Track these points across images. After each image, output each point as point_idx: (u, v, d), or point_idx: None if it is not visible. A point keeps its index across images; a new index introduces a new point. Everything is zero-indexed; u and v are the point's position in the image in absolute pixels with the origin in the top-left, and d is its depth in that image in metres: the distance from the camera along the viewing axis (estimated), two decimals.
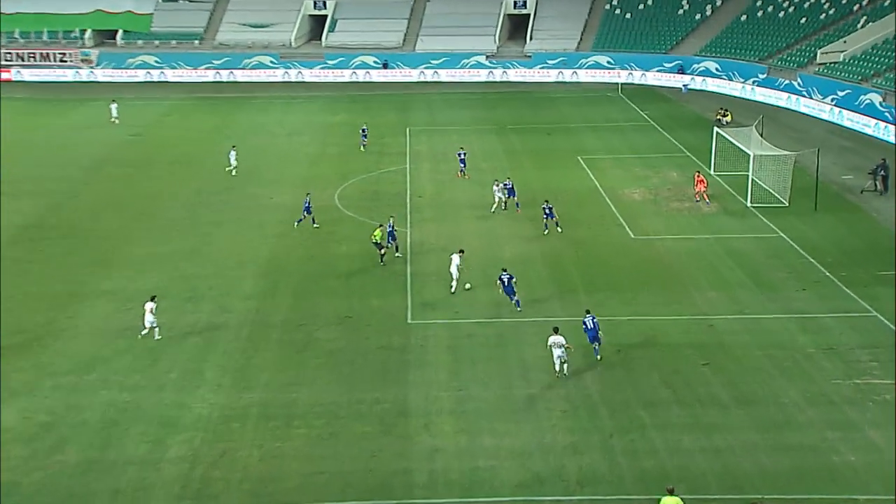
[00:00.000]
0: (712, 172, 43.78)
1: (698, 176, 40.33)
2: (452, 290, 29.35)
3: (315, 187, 42.52)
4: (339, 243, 34.82)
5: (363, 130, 49.73)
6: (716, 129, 44.97)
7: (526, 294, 29.65)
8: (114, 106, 55.30)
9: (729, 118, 55.66)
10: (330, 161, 44.51)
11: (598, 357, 25.06)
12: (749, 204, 38.74)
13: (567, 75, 72.33)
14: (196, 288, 30.40)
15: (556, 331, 24.14)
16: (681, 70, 69.90)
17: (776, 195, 39.21)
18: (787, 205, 38.23)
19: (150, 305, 26.51)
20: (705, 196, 39.65)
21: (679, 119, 58.01)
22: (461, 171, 42.64)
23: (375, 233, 32.38)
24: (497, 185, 38.25)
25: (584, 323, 25.24)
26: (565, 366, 23.93)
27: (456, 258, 29.62)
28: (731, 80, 66.56)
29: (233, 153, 44.37)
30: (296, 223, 35.64)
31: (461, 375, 24.53)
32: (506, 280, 27.50)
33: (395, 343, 26.40)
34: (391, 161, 47.90)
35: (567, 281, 31.07)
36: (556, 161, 47.28)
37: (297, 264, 32.64)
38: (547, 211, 35.55)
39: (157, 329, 26.30)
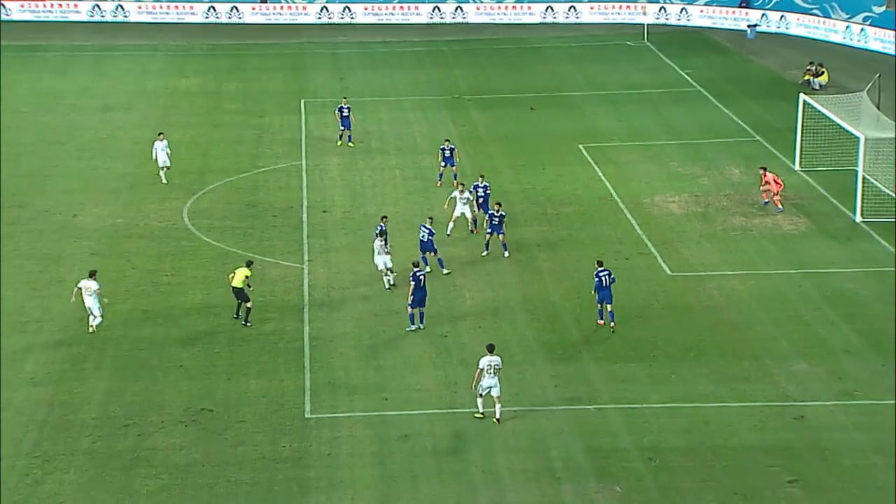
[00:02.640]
0: (797, 167, 45.35)
1: (765, 175, 41.72)
2: (388, 285, 33.62)
3: (150, 196, 42.69)
4: (190, 289, 35.05)
5: (342, 110, 48.56)
6: (803, 96, 46.61)
7: (503, 367, 30.23)
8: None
9: (824, 79, 57.83)
10: (176, 154, 44.77)
11: (613, 326, 30.28)
12: (859, 218, 40.26)
13: (560, 13, 74.16)
14: None
15: (491, 350, 27.37)
16: (745, 2, 72.36)
17: None
18: None
19: (87, 285, 31.03)
20: (776, 200, 41.07)
21: (743, 81, 59.94)
22: (441, 176, 43.19)
23: (238, 273, 32.67)
24: (460, 192, 38.97)
25: (599, 279, 31.33)
26: (498, 407, 27.32)
27: (378, 242, 32.91)
28: (827, 16, 69.11)
29: (161, 145, 43.38)
30: None
31: (394, 503, 24.80)
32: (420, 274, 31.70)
33: (284, 451, 26.63)
34: (277, 154, 48.39)
35: (564, 345, 31.75)
36: (544, 152, 48.39)
37: (120, 325, 32.71)
38: (495, 221, 36.73)
39: (99, 319, 31.29)
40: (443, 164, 43.39)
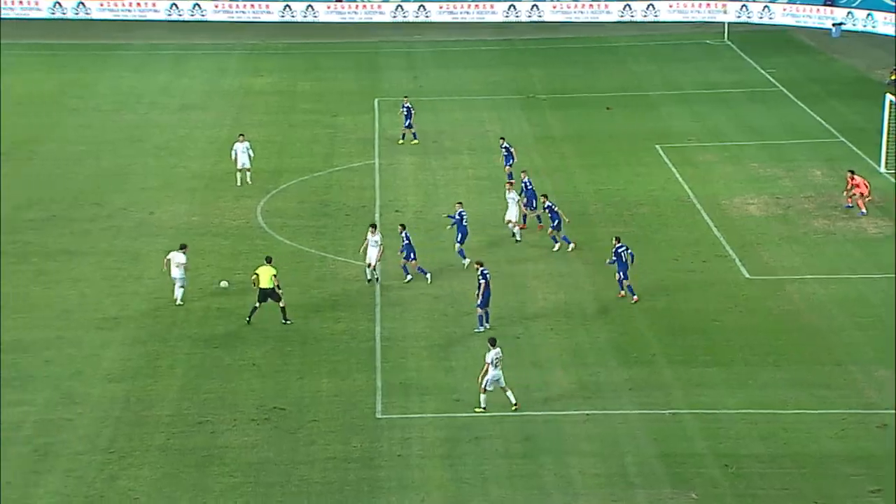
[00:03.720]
0: (882, 169, 44.61)
1: (853, 178, 41.18)
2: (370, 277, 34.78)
3: (225, 194, 43.29)
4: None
5: (407, 109, 49.22)
6: (890, 96, 45.87)
7: (572, 370, 30.15)
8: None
9: None
10: (254, 157, 45.29)
11: (635, 298, 33.19)
12: None
13: (638, 11, 73.76)
14: (20, 364, 30.87)
15: (493, 343, 28.09)
16: (830, 0, 71.30)
17: None
18: None
19: (177, 258, 33.30)
20: (860, 203, 40.55)
21: (827, 81, 59.11)
22: (509, 175, 43.26)
23: (263, 274, 32.64)
24: (509, 191, 38.92)
25: (618, 255, 33.62)
26: (509, 393, 28.04)
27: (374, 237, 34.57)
28: None
29: (241, 147, 43.80)
30: None
31: None
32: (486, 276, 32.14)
33: (355, 451, 26.79)
34: (350, 153, 48.77)
35: (638, 348, 31.58)
36: (619, 152, 48.17)
37: (194, 322, 33.19)
38: (550, 214, 37.31)
39: (181, 291, 33.25)
40: (506, 164, 43.45)
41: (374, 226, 35.70)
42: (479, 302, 32.16)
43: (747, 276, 36.07)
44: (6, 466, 26.10)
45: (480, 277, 31.96)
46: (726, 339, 31.93)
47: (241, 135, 45.03)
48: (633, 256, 34.03)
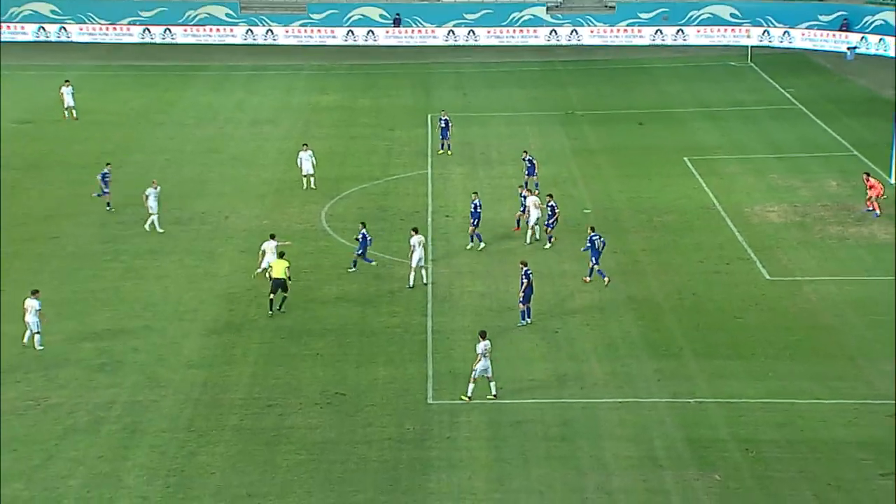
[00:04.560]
0: (892, 180, 44.01)
1: (868, 180, 40.92)
2: (410, 284, 34.75)
3: (292, 200, 43.62)
4: (326, 284, 35.68)
5: (444, 122, 49.58)
6: None
7: (606, 361, 30.05)
8: (67, 90, 55.32)
9: None
10: (317, 164, 45.59)
11: (607, 280, 34.25)
12: None
13: (669, 35, 73.24)
14: (111, 351, 31.34)
15: (483, 336, 27.94)
16: (845, 26, 70.43)
17: None
18: None
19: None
20: (875, 205, 40.04)
21: (842, 100, 58.33)
22: (525, 182, 43.18)
23: (277, 266, 33.14)
24: (528, 196, 38.62)
25: (592, 242, 34.23)
26: (492, 384, 27.92)
27: (418, 248, 34.47)
28: None
29: (305, 155, 44.57)
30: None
31: (507, 484, 24.90)
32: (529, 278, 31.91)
33: (408, 433, 26.94)
34: (405, 164, 48.91)
35: (666, 342, 31.43)
36: (650, 164, 47.88)
37: (264, 316, 33.51)
38: (549, 213, 37.66)
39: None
40: (526, 173, 43.27)
41: (415, 229, 35.69)
42: (521, 298, 32.13)
43: (767, 277, 35.73)
44: (100, 443, 26.52)
45: (524, 276, 31.93)
46: (747, 335, 31.68)
47: (304, 144, 45.50)
48: (604, 243, 34.88)
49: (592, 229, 35.34)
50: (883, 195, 40.80)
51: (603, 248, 34.91)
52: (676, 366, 29.96)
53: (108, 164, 43.11)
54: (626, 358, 30.40)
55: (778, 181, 45.25)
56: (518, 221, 39.66)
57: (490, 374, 28.13)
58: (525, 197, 39.05)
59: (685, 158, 48.24)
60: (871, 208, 40.70)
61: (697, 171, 46.61)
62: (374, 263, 36.27)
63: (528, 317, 32.30)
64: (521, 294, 32.02)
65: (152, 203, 39.86)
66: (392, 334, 32.13)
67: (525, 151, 44.85)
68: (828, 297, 34.08)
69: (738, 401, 28.01)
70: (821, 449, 25.89)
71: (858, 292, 34.40)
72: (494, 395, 28.13)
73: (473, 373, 28.00)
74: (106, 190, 41.86)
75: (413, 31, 74.60)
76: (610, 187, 44.66)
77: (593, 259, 34.75)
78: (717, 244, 38.49)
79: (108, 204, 41.92)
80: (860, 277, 35.58)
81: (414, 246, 34.94)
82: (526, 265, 32.23)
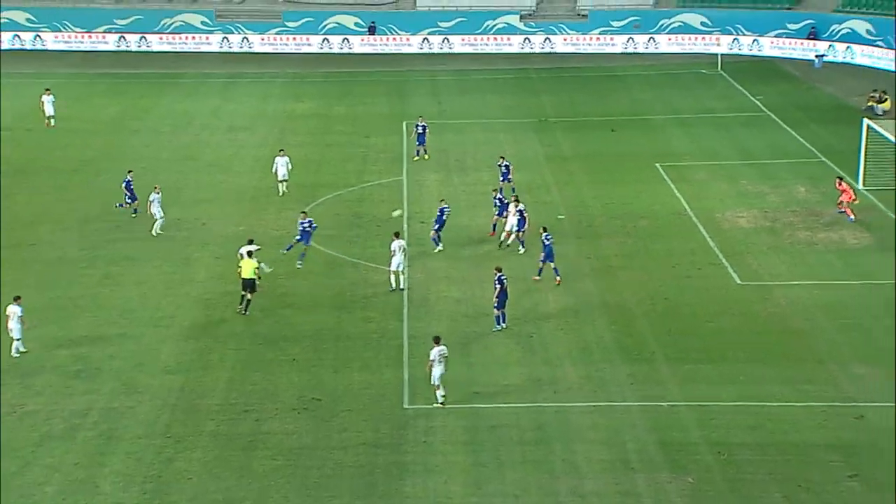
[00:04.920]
0: (861, 186, 44.38)
1: (840, 184, 41.35)
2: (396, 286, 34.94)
3: (268, 207, 43.49)
4: (302, 289, 35.64)
5: (422, 128, 49.74)
6: (867, 121, 45.72)
7: (580, 366, 30.15)
8: (48, 99, 55.06)
9: (888, 105, 56.45)
10: (292, 170, 45.48)
11: (558, 279, 34.76)
12: None
13: (640, 44, 73.61)
14: (88, 358, 31.15)
15: (437, 341, 27.91)
16: (813, 34, 71.06)
17: None
18: None
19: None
20: (849, 210, 40.52)
21: (810, 107, 58.78)
22: (500, 188, 43.24)
23: (246, 265, 33.38)
24: (514, 205, 38.84)
25: (545, 243, 34.94)
26: (439, 393, 27.84)
27: (398, 253, 34.79)
28: (890, 47, 67.48)
29: (281, 161, 44.61)
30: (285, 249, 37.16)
31: (483, 488, 24.94)
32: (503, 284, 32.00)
33: (384, 438, 26.92)
34: (380, 170, 48.88)
35: (639, 347, 31.57)
36: (623, 171, 48.08)
37: (240, 321, 33.40)
38: (519, 219, 38.10)
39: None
40: (501, 178, 43.35)
41: (396, 234, 35.85)
42: (496, 304, 32.18)
43: (738, 282, 35.96)
44: (76, 450, 26.33)
45: (497, 282, 31.99)
46: (719, 339, 31.87)
47: (281, 150, 45.54)
48: (552, 241, 35.34)
49: (545, 230, 35.73)
50: (855, 200, 41.19)
51: (552, 244, 35.40)
52: (649, 370, 30.10)
53: (129, 171, 42.68)
54: (599, 362, 30.51)
55: (748, 187, 45.56)
56: (494, 226, 39.75)
57: (438, 383, 27.92)
58: (502, 201, 39.14)
59: (657, 165, 48.49)
60: (842, 210, 41.06)
61: (669, 177, 46.86)
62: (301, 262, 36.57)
63: (504, 322, 32.36)
64: (496, 300, 32.07)
65: (156, 209, 40.02)
66: (368, 339, 32.10)
67: (501, 157, 44.92)
68: (798, 302, 34.34)
69: (710, 404, 28.17)
70: (790, 451, 26.07)
71: (828, 296, 34.68)
72: (441, 404, 27.99)
73: (433, 379, 27.93)
74: (130, 198, 41.51)
75: (388, 39, 74.61)
76: (583, 193, 44.83)
77: (546, 258, 35.22)
78: (689, 249, 38.71)
79: (136, 210, 41.54)
80: (829, 282, 35.86)
81: (395, 250, 34.98)
82: (500, 271, 32.29)
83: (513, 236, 38.49)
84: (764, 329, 32.52)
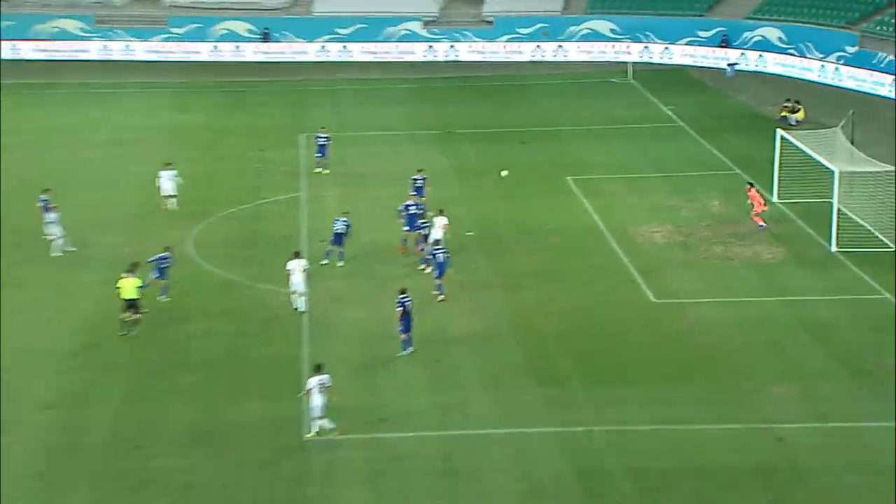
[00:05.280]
0: (775, 198, 45.58)
1: (750, 191, 42.78)
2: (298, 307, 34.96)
3: (157, 226, 42.77)
4: (194, 315, 35.14)
5: (324, 140, 49.75)
6: (780, 131, 47.02)
7: (490, 391, 30.29)
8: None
9: (801, 115, 58.18)
10: (182, 186, 44.85)
11: (442, 297, 35.35)
12: (834, 248, 40.44)
13: (549, 51, 74.62)
14: None
15: (318, 369, 27.70)
16: (725, 42, 72.94)
17: (878, 235, 41.04)
18: (894, 248, 40.06)
19: (297, 264, 34.90)
20: (756, 218, 42.09)
21: (723, 117, 60.30)
22: (416, 203, 43.23)
23: (126, 284, 33.15)
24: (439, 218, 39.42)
25: (433, 255, 35.69)
26: (320, 423, 27.35)
27: (298, 273, 34.82)
28: (803, 56, 69.71)
29: (168, 175, 43.87)
30: None
31: None
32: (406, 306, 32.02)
33: (283, 472, 26.62)
34: (277, 186, 48.53)
35: (552, 369, 31.81)
36: (534, 184, 48.57)
37: (126, 350, 32.72)
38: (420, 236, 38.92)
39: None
40: (414, 192, 43.49)
41: (297, 253, 35.62)
42: (400, 327, 32.17)
43: (653, 299, 36.57)
44: None
45: (398, 305, 31.98)
46: (634, 360, 32.30)
47: (167, 163, 44.86)
48: (447, 262, 35.71)
49: (437, 242, 36.20)
50: (766, 208, 42.29)
51: (448, 264, 35.72)
52: (562, 393, 30.36)
53: (45, 190, 41.95)
54: (510, 386, 30.66)
55: (661, 201, 46.42)
56: (404, 241, 39.73)
57: (318, 414, 27.59)
58: (415, 215, 39.26)
59: (568, 178, 49.13)
60: (763, 224, 42.18)
61: (581, 191, 47.52)
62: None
63: (410, 346, 32.35)
64: (400, 323, 32.05)
65: (54, 229, 39.30)
66: (266, 366, 31.76)
67: (419, 170, 44.75)
68: (713, 320, 35.03)
69: (627, 428, 28.50)
70: (710, 476, 26.44)
71: (743, 314, 35.44)
72: (313, 434, 27.69)
73: (312, 409, 27.64)
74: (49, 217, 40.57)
75: (283, 47, 74.29)
76: (492, 208, 45.17)
77: (437, 273, 35.60)
78: (602, 266, 39.26)
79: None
80: (745, 299, 36.67)
81: (292, 270, 34.83)
82: (404, 293, 32.27)
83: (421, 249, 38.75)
84: (680, 349, 33.09)
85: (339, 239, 38.73)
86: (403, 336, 32.26)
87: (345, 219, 38.92)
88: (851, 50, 67.03)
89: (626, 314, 35.37)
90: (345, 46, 74.12)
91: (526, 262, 39.67)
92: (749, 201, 42.67)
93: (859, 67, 65.48)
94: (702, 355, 32.62)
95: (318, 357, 31.97)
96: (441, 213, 39.42)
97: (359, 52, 74.12)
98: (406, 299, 32.09)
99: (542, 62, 73.70)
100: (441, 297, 35.58)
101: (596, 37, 74.41)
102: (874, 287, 37.20)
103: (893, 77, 62.89)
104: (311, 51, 74.12)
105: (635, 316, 35.25)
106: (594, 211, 44.98)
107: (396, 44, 74.49)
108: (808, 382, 30.88)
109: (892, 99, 61.83)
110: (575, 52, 74.24)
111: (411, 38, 74.68)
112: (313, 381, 27.61)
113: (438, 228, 38.57)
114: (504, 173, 43.11)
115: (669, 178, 49.62)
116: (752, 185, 43.61)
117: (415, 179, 43.99)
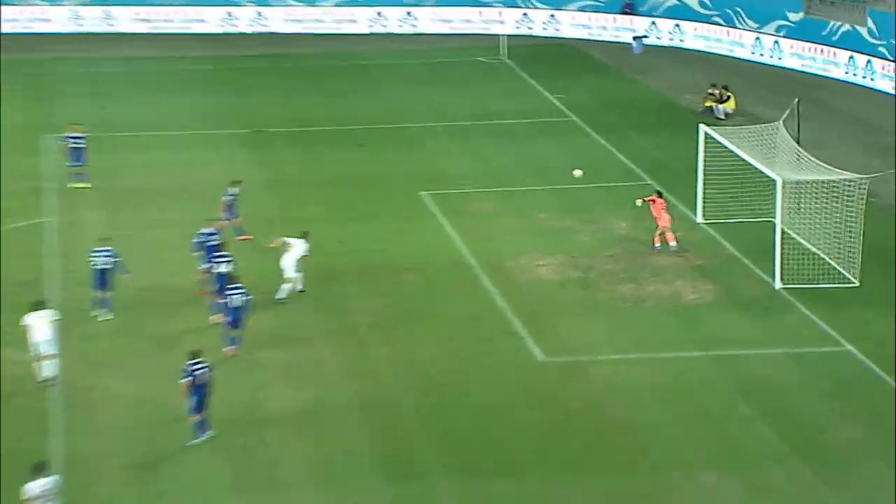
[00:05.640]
0: (699, 219, 46.57)
1: (655, 203, 43.98)
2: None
3: None
4: None
5: (79, 141, 49.30)
6: (704, 128, 48.07)
7: (322, 489, 30.03)
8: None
9: (731, 105, 59.76)
10: None
11: (233, 349, 35.67)
12: (779, 285, 41.43)
13: (393, 20, 75.03)
14: None
15: (41, 468, 26.86)
16: (629, 8, 74.51)
17: (834, 264, 42.12)
18: (858, 284, 41.12)
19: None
20: (667, 235, 43.14)
21: (628, 108, 61.53)
22: (233, 227, 43.69)
23: None
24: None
25: (231, 300, 36.19)
26: None
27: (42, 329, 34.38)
28: (732, 26, 71.70)
29: None
30: None
31: None
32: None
33: None
34: (12, 208, 47.55)
35: (407, 457, 31.65)
36: (376, 202, 48.72)
37: None
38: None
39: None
40: (226, 215, 43.66)
41: (41, 302, 35.09)
42: (190, 405, 31.58)
43: (541, 358, 36.81)
44: None
45: (187, 374, 31.34)
46: (517, 443, 32.30)
47: None
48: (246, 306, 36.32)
49: (231, 280, 36.86)
50: (668, 227, 43.36)
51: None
52: (422, 490, 30.22)
53: None
54: (351, 482, 30.39)
55: (549, 222, 46.94)
56: (203, 283, 39.32)
57: None
58: (215, 247, 39.40)
59: (422, 193, 49.35)
60: (658, 245, 43.28)
61: (440, 209, 47.76)
62: None
63: (207, 429, 31.80)
64: (190, 399, 31.45)
65: None
66: None
67: (234, 183, 44.34)
68: (622, 383, 35.34)
69: None
70: None
71: (661, 374, 35.85)
72: None
73: None
74: None
75: (19, 13, 72.73)
76: (321, 235, 44.87)
77: (230, 320, 35.94)
78: (472, 314, 39.42)
79: None
80: (663, 354, 37.14)
81: (34, 326, 34.08)
82: (196, 357, 31.63)
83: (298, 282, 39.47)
84: (578, 425, 33.20)
85: (102, 280, 38.04)
86: (195, 417, 31.67)
87: (107, 250, 38.31)
88: (795, 17, 69.25)
89: (506, 380, 35.48)
90: (105, 12, 73.06)
91: (369, 308, 39.57)
92: (657, 220, 43.51)
93: (805, 41, 67.47)
94: (607, 434, 32.79)
95: (76, 451, 31.25)
96: (305, 235, 40.09)
97: (128, 18, 73.21)
98: (199, 366, 31.49)
99: (384, 34, 74.00)
100: (232, 349, 35.42)
101: (457, 0, 75.11)
102: (832, 336, 38.12)
103: (848, 53, 64.95)
104: (57, 18, 72.82)
105: (518, 382, 35.39)
106: (459, 236, 45.25)
107: (179, 8, 73.76)
108: (747, 467, 31.26)
109: (849, 83, 63.84)
110: (428, 20, 74.90)
111: (205, 1, 74.12)
112: (34, 487, 26.46)
113: (293, 256, 39.02)
114: (578, 173, 43.60)
115: (559, 191, 50.24)
116: (660, 193, 44.36)
117: (229, 195, 43.67)
